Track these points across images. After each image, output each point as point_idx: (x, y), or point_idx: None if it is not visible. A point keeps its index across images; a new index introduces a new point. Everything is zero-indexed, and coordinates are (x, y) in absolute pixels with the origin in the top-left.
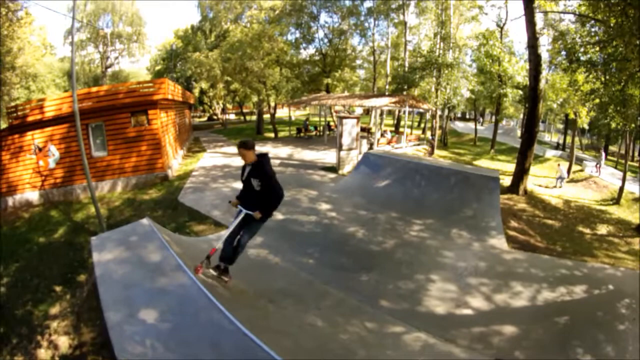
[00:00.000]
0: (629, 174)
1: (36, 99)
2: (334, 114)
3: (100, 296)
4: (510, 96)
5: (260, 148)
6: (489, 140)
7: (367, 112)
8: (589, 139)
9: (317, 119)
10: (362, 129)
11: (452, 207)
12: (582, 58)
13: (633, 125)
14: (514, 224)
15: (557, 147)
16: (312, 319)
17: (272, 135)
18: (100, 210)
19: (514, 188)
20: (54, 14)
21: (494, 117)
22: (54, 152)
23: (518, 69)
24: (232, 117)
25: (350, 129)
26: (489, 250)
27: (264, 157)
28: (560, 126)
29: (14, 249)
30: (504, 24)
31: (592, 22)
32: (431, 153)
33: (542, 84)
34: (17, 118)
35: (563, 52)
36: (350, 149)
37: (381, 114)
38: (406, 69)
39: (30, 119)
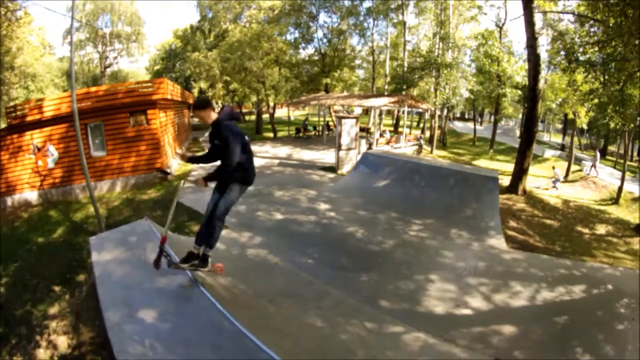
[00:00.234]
0: (627, 173)
1: (35, 99)
2: (333, 113)
3: (99, 296)
4: (509, 96)
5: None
6: (488, 140)
7: (366, 112)
8: (588, 139)
9: (316, 118)
10: (361, 129)
11: (452, 207)
12: (581, 58)
13: (632, 125)
14: (513, 224)
15: (562, 148)
16: (312, 319)
17: (271, 135)
18: (99, 210)
19: (513, 188)
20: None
21: (493, 117)
22: (53, 152)
23: (517, 69)
24: None
25: (349, 129)
26: (488, 250)
27: (228, 114)
28: (560, 126)
29: (13, 249)
30: (503, 24)
31: (591, 22)
32: (419, 152)
33: (541, 84)
34: (15, 118)
35: (562, 52)
36: (349, 149)
37: (380, 114)
38: (405, 69)
39: (29, 118)
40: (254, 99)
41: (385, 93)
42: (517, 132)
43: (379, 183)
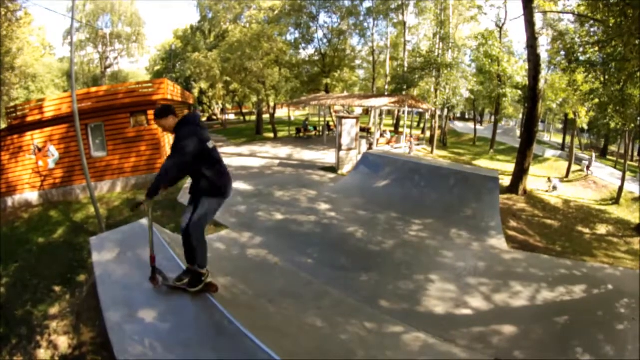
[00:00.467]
0: (628, 173)
1: (35, 99)
2: (334, 114)
3: (99, 296)
4: (510, 96)
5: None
6: (488, 140)
7: (367, 112)
8: (588, 138)
9: (316, 119)
10: (362, 129)
11: (452, 207)
12: (581, 58)
13: (632, 125)
14: (513, 223)
15: (563, 149)
16: (312, 319)
17: (271, 135)
18: (100, 211)
19: (513, 188)
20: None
21: (493, 117)
22: (54, 152)
23: (517, 69)
24: (232, 117)
25: (349, 129)
26: (489, 250)
27: (184, 119)
28: (560, 126)
29: (13, 249)
30: (503, 24)
31: (591, 22)
32: (410, 151)
33: (542, 84)
34: (16, 118)
35: (562, 52)
36: (349, 149)
37: (380, 114)
38: (405, 69)
39: (29, 119)
40: (254, 99)
41: (386, 93)
42: (518, 132)
43: (379, 183)
